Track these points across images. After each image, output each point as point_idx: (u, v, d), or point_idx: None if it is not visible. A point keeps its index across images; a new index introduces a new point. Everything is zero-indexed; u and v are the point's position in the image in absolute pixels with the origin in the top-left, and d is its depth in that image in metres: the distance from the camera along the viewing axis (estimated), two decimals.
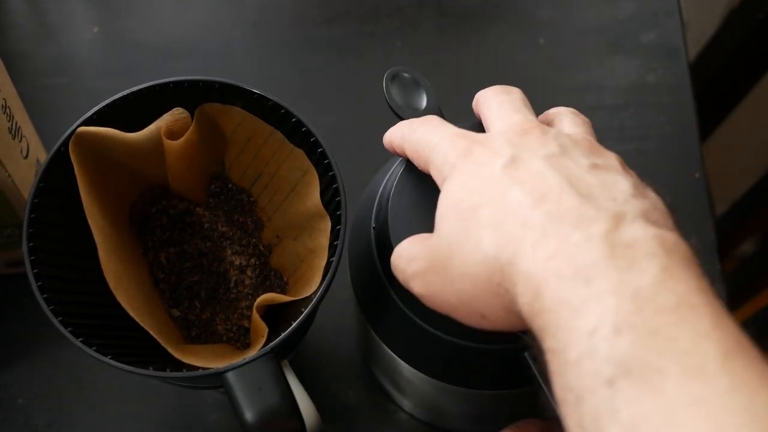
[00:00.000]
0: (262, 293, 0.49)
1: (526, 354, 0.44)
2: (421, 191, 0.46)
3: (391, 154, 0.52)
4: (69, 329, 0.42)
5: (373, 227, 0.48)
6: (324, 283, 0.43)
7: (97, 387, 0.60)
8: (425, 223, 0.45)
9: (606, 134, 0.68)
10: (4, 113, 0.52)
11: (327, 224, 0.46)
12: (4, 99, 0.52)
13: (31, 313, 0.62)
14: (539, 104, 0.71)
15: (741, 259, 1.05)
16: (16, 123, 0.54)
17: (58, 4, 0.72)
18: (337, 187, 0.45)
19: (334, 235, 0.45)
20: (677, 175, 0.67)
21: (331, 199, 0.46)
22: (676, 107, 0.70)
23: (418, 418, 0.59)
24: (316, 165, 0.47)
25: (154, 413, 0.60)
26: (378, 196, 0.48)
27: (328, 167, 0.46)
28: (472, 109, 0.43)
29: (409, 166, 0.47)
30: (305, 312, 0.42)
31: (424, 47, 0.72)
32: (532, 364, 0.43)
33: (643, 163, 0.67)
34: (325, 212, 0.46)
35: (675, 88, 0.70)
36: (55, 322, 0.42)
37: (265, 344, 0.43)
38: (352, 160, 0.56)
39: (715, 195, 1.09)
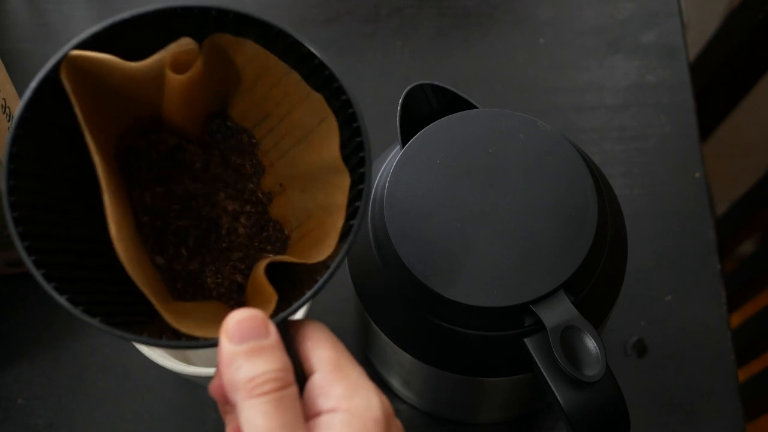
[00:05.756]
0: (258, 244, 0.45)
1: (526, 341, 0.44)
2: (417, 180, 0.46)
3: (386, 147, 0.52)
4: (65, 296, 0.38)
5: (371, 217, 0.48)
6: (344, 249, 0.39)
7: (97, 387, 0.60)
8: (421, 211, 0.45)
9: (606, 134, 0.68)
10: (4, 113, 0.52)
11: (345, 181, 0.41)
12: (4, 99, 0.52)
13: (31, 313, 0.63)
14: (539, 104, 0.71)
15: (741, 259, 1.05)
16: None
17: (58, 4, 0.72)
18: (361, 141, 0.40)
19: (354, 194, 0.41)
20: (677, 175, 0.67)
21: (352, 154, 0.41)
22: (676, 107, 0.70)
23: (421, 410, 0.59)
24: (337, 113, 0.42)
25: (154, 413, 0.60)
26: (374, 187, 0.48)
27: (352, 118, 0.41)
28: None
29: (404, 156, 0.47)
30: (322, 280, 0.39)
31: (423, 47, 0.72)
32: (532, 351, 0.44)
33: (643, 163, 0.67)
34: (345, 167, 0.41)
35: (675, 88, 0.70)
36: (49, 289, 0.38)
37: (275, 313, 0.40)
38: None
39: (715, 195, 1.09)
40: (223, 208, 0.46)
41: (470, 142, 0.47)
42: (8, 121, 0.52)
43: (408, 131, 0.48)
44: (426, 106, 0.49)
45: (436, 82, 0.49)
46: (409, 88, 0.48)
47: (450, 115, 0.48)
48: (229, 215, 0.46)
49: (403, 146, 0.47)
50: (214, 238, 0.46)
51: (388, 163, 0.49)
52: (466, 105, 0.49)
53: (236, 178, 0.46)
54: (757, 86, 0.93)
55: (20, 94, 0.56)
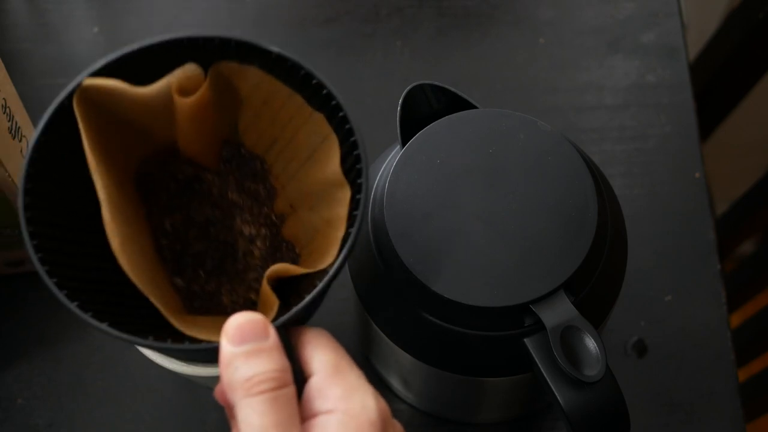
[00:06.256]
0: (272, 264, 0.46)
1: (526, 341, 0.44)
2: (417, 180, 0.46)
3: (386, 147, 0.52)
4: (75, 303, 0.39)
5: (371, 217, 0.48)
6: (342, 255, 0.41)
7: (97, 387, 0.60)
8: (421, 211, 0.45)
9: (606, 134, 0.68)
10: (4, 113, 0.52)
11: (346, 194, 0.43)
12: (4, 99, 0.52)
13: (31, 313, 0.63)
14: (539, 104, 0.71)
15: (741, 259, 1.05)
16: (16, 123, 0.54)
17: (58, 4, 0.72)
18: (359, 154, 0.42)
19: (354, 204, 0.43)
20: (677, 175, 0.67)
21: (351, 167, 0.43)
22: (676, 107, 0.70)
23: (421, 410, 0.59)
24: (336, 130, 0.44)
25: (154, 413, 0.60)
26: (374, 187, 0.48)
27: (350, 133, 0.43)
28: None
29: (404, 156, 0.47)
30: (321, 285, 0.40)
31: (423, 47, 0.72)
32: (532, 351, 0.44)
33: (643, 163, 0.67)
34: (345, 181, 0.43)
35: (675, 88, 0.70)
36: (61, 296, 0.39)
37: (276, 318, 0.41)
38: None
39: (715, 195, 1.09)
40: (239, 232, 0.48)
41: (470, 142, 0.47)
42: (8, 121, 0.52)
43: (408, 131, 0.48)
44: (426, 106, 0.49)
45: (436, 82, 0.49)
46: (409, 88, 0.48)
47: (450, 115, 0.48)
48: (245, 239, 0.48)
49: (403, 146, 0.47)
50: (231, 260, 0.48)
51: (388, 163, 0.49)
52: (466, 105, 0.49)
53: (251, 203, 0.48)
54: (757, 86, 0.93)
55: (20, 94, 0.56)
